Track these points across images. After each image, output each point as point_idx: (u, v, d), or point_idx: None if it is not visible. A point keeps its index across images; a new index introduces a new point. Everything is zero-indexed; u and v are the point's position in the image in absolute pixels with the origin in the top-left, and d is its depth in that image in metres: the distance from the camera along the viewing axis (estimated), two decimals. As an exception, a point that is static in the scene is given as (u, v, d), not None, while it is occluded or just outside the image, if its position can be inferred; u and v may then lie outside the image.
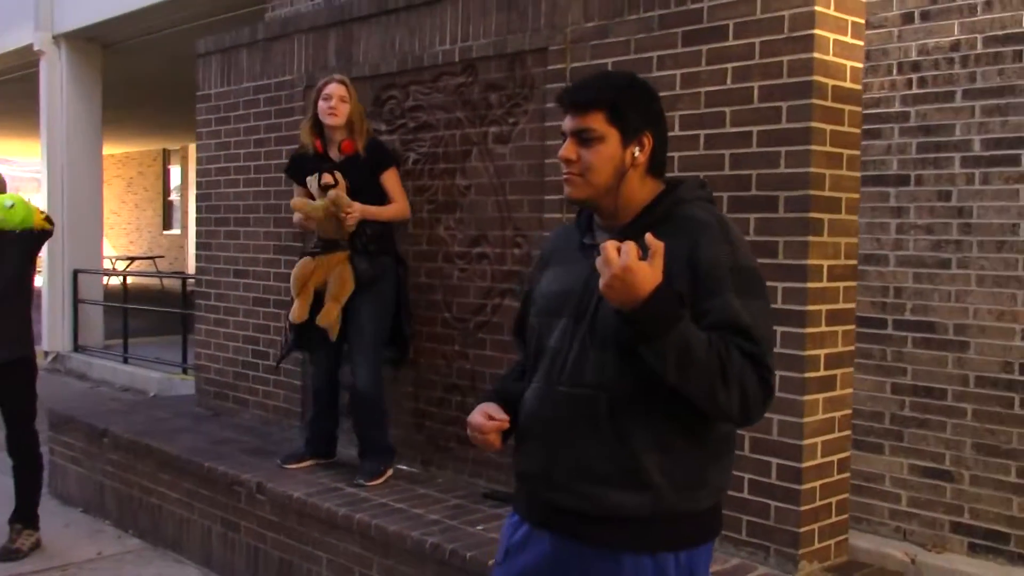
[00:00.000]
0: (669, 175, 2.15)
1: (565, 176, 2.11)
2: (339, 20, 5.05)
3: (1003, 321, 4.27)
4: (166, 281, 17.63)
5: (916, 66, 4.56)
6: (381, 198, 4.40)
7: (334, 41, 5.08)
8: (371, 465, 4.36)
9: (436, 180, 4.56)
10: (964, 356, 4.40)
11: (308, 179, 4.37)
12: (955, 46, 4.44)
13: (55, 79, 10.68)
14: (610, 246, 1.86)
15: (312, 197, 4.38)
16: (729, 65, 3.48)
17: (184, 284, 9.48)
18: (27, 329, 4.85)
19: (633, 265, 1.83)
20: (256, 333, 5.60)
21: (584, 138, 2.08)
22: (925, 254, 4.53)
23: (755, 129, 3.42)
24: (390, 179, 4.41)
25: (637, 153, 2.09)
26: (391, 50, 4.77)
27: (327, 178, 4.31)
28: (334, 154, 4.44)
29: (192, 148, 22.22)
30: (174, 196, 23.57)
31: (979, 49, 4.39)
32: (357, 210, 4.25)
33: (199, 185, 6.01)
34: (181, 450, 4.96)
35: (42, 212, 4.63)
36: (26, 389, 4.82)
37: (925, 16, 4.50)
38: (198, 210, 6.03)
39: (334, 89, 4.37)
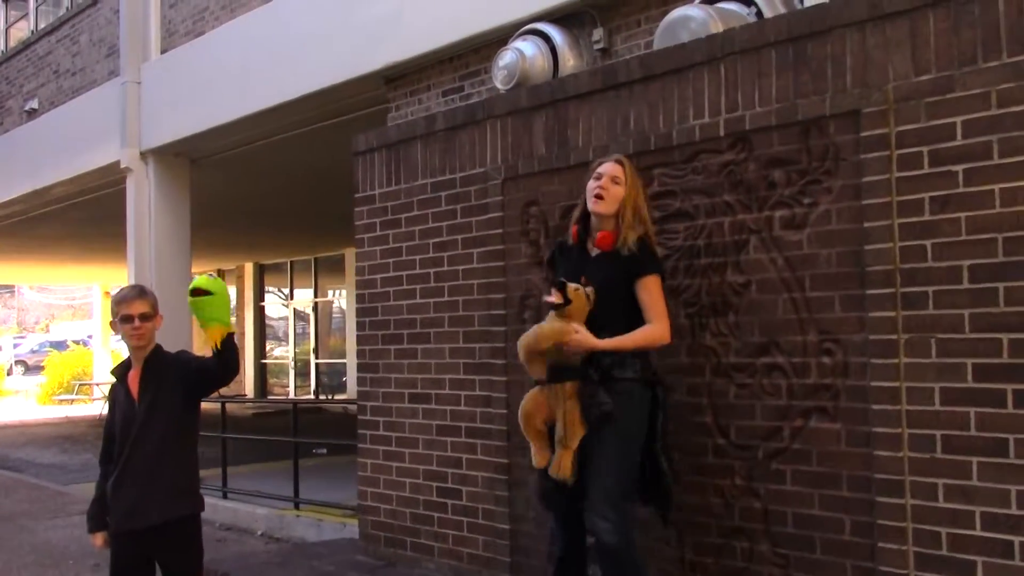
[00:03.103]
0: None
1: None
2: (549, 100, 4.37)
3: None
4: (229, 406, 16.88)
5: None
6: (634, 309, 3.54)
7: (543, 124, 4.39)
8: None
9: (697, 278, 3.79)
10: None
11: (545, 297, 3.55)
12: None
13: (143, 196, 10.14)
14: None
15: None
16: None
17: (295, 408, 8.69)
18: (196, 480, 4.05)
19: None
20: (442, 467, 4.76)
21: None
22: None
23: None
24: (647, 289, 3.50)
25: None
26: (623, 129, 4.07)
27: (554, 296, 3.46)
28: (591, 247, 3.66)
29: (248, 267, 21.83)
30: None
31: None
32: (576, 343, 3.42)
33: (360, 298, 5.27)
34: (377, 616, 4.09)
35: (232, 328, 3.77)
36: (196, 549, 4.01)
37: None
38: (360, 327, 5.27)
39: (608, 168, 3.58)
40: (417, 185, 4.97)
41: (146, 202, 10.14)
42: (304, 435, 8.60)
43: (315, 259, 20.11)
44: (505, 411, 4.46)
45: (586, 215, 3.64)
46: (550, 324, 3.50)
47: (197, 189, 10.60)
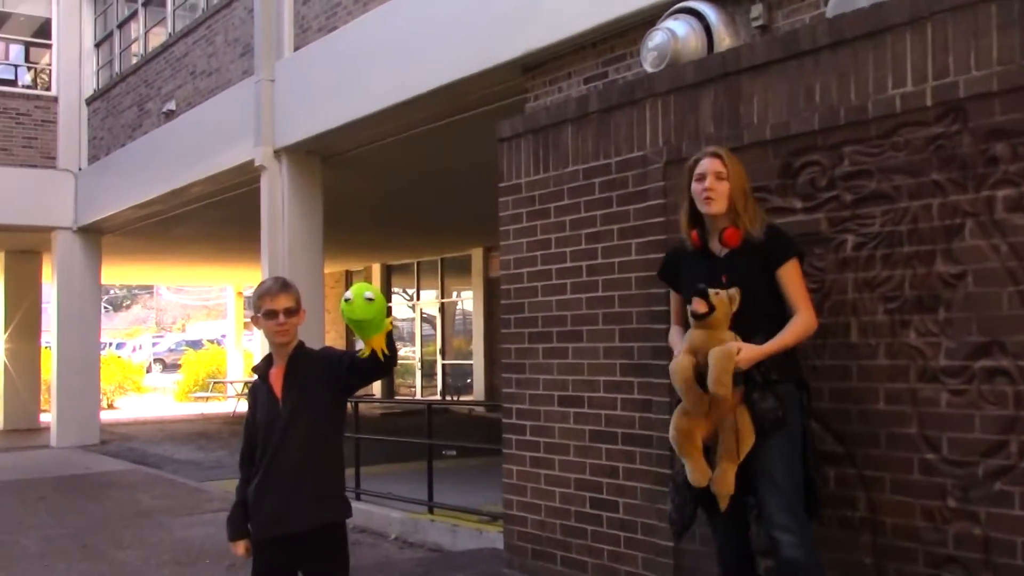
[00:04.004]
0: None
1: None
2: (719, 74, 3.97)
3: None
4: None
5: None
6: (776, 301, 3.28)
7: (711, 101, 3.99)
8: None
9: (898, 269, 3.33)
10: None
11: (689, 306, 3.27)
12: None
13: (276, 194, 10.11)
14: None
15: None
16: None
17: (429, 409, 8.48)
18: (342, 484, 3.80)
19: None
20: (596, 476, 4.40)
21: None
22: None
23: None
24: (790, 275, 3.28)
25: None
26: (807, 103, 3.63)
27: (698, 305, 3.19)
28: (716, 247, 3.37)
29: (375, 268, 21.95)
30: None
31: None
32: (746, 360, 3.15)
33: (505, 294, 4.96)
34: (531, 638, 3.76)
35: (390, 326, 3.50)
36: (342, 558, 3.75)
37: None
38: (504, 324, 4.96)
39: (707, 165, 3.34)
40: (567, 172, 4.63)
41: (279, 200, 10.10)
42: (433, 436, 8.40)
43: (441, 260, 20.05)
44: (668, 416, 4.03)
45: (696, 216, 3.39)
46: (698, 336, 3.21)
47: (327, 188, 10.53)
